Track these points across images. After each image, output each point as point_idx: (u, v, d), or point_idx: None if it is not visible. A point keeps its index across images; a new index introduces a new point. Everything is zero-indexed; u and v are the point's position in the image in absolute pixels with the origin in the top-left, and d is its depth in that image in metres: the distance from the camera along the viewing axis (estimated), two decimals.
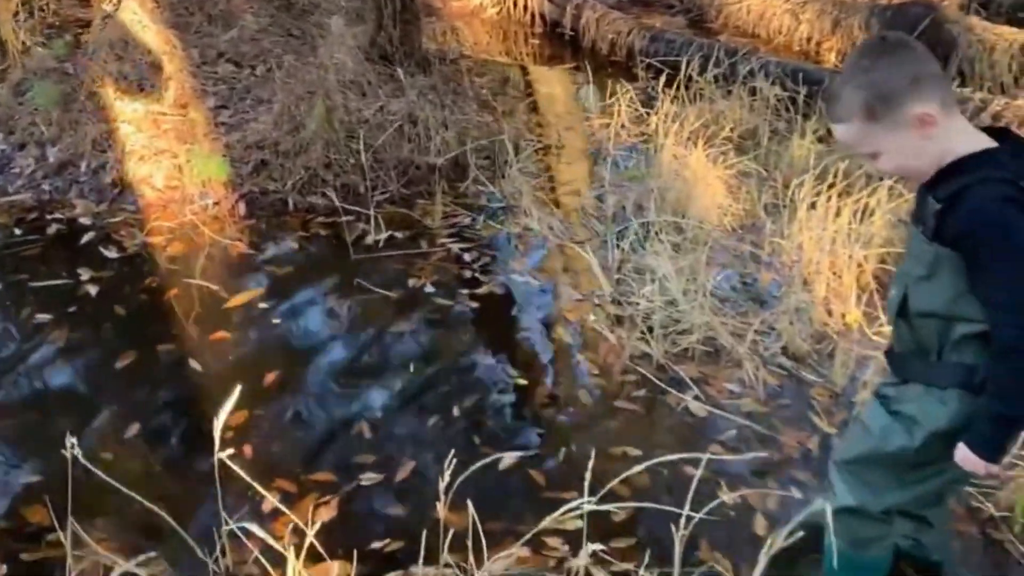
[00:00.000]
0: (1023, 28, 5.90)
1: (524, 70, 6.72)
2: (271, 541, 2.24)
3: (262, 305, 3.78)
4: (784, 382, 3.32)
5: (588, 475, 2.23)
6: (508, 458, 2.88)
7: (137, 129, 5.00)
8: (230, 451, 2.29)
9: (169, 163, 4.74)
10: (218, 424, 2.30)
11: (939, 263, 1.87)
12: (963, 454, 1.93)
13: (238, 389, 2.30)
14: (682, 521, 2.21)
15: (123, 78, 5.38)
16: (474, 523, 2.30)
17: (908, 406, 2.05)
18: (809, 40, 6.67)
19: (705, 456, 2.22)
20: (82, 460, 2.24)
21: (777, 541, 2.09)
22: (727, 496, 2.34)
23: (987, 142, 1.86)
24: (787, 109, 5.27)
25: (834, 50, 6.49)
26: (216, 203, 4.51)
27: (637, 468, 2.28)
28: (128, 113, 5.08)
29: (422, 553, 2.35)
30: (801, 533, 2.10)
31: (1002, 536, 2.65)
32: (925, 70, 1.86)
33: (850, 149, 2.17)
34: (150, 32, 5.63)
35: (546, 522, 2.31)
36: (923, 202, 1.92)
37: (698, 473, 2.23)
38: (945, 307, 1.90)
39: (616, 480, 2.33)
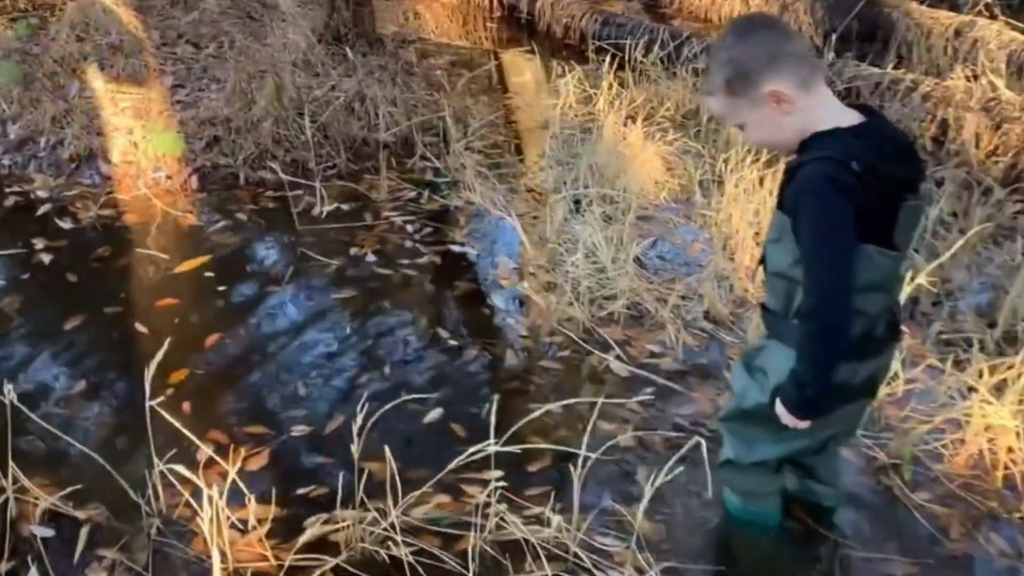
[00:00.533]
0: (960, 13, 6.08)
1: (480, 53, 6.87)
2: (197, 481, 2.41)
3: (208, 273, 3.92)
4: (704, 343, 3.49)
5: (492, 419, 2.42)
6: (432, 415, 3.05)
7: (96, 106, 5.13)
8: (160, 399, 2.46)
9: (125, 139, 4.88)
10: (148, 373, 2.46)
11: (783, 228, 2.02)
12: (777, 406, 2.12)
13: (168, 342, 2.46)
14: (579, 461, 2.41)
15: (83, 58, 5.51)
16: (394, 471, 2.46)
17: (762, 361, 2.23)
18: None
19: (600, 400, 2.39)
20: (17, 404, 2.39)
21: (659, 477, 2.29)
22: (621, 438, 2.50)
23: (844, 120, 1.98)
24: None
25: None
26: (169, 177, 4.65)
27: (538, 411, 2.46)
28: (87, 91, 5.21)
29: (339, 496, 2.53)
30: (680, 469, 2.30)
31: (891, 483, 2.81)
32: (783, 49, 1.98)
33: (721, 120, 2.35)
34: (113, 14, 5.74)
35: (453, 464, 2.50)
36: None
37: (594, 417, 2.42)
38: (788, 270, 2.05)
39: (521, 422, 2.51)
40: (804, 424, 2.12)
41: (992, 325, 3.43)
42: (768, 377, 2.18)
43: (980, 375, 2.90)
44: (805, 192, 1.95)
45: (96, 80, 5.30)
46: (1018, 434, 2.81)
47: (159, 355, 2.45)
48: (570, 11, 6.89)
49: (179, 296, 3.75)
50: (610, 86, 5.19)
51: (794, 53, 1.99)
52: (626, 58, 5.58)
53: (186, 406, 3.07)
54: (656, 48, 5.67)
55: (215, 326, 3.56)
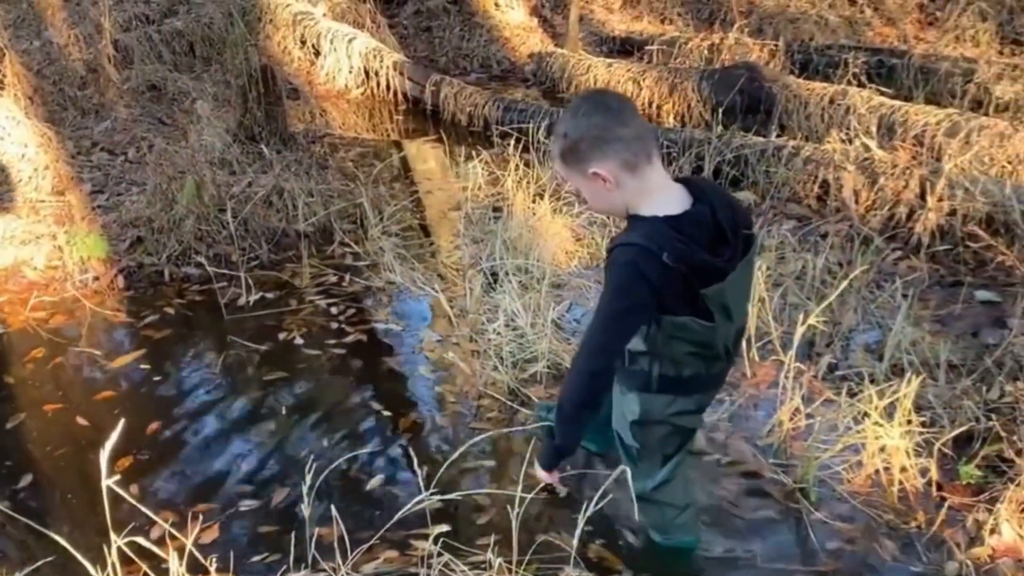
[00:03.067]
0: (832, 83, 6.60)
1: (388, 144, 7.16)
2: (157, 551, 2.53)
3: (143, 366, 4.05)
4: None
5: (421, 473, 2.63)
6: (374, 481, 3.23)
7: (16, 216, 5.25)
8: (116, 478, 2.58)
9: (49, 245, 5.00)
10: (104, 453, 2.58)
11: None
12: (536, 469, 2.53)
13: (121, 423, 2.59)
14: (516, 502, 2.61)
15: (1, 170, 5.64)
16: (343, 531, 2.64)
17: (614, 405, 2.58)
18: (650, 104, 7.28)
19: (525, 427, 2.61)
20: None
21: (590, 507, 2.50)
22: (556, 480, 2.71)
23: (667, 207, 2.16)
24: None
25: (672, 112, 7.10)
26: (96, 278, 4.77)
27: (460, 450, 2.70)
28: (6, 202, 5.34)
29: (291, 558, 2.68)
30: (610, 497, 2.55)
31: (799, 506, 3.07)
32: (613, 133, 2.11)
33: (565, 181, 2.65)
34: (24, 127, 5.88)
35: (397, 516, 2.69)
36: None
37: (526, 461, 2.63)
38: None
39: (445, 465, 2.75)
40: (547, 476, 2.52)
41: (880, 359, 3.75)
42: (623, 416, 2.53)
43: (871, 401, 3.18)
44: (615, 273, 2.17)
45: (15, 190, 5.43)
46: (908, 453, 3.09)
47: (114, 436, 2.56)
48: (473, 100, 7.23)
49: (116, 389, 3.87)
50: (516, 167, 5.49)
51: (622, 137, 2.11)
52: (530, 140, 5.91)
53: (134, 489, 3.18)
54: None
55: (154, 415, 3.68)
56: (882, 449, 3.13)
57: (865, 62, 6.90)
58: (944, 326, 4.05)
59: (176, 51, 8.56)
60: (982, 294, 4.26)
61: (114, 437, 2.55)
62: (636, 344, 2.34)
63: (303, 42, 8.76)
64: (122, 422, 2.58)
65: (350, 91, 8.38)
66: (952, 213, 4.71)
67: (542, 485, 2.72)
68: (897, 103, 5.84)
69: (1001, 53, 7.47)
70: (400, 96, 8.08)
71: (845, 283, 3.61)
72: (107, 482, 2.57)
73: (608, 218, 5.07)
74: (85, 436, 3.56)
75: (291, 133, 6.15)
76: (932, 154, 5.42)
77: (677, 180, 2.26)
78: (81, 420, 3.65)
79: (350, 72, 8.34)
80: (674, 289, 2.14)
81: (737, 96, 6.55)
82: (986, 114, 5.97)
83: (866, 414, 3.24)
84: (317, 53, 8.71)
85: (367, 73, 8.26)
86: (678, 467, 2.67)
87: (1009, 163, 5.12)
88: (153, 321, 4.44)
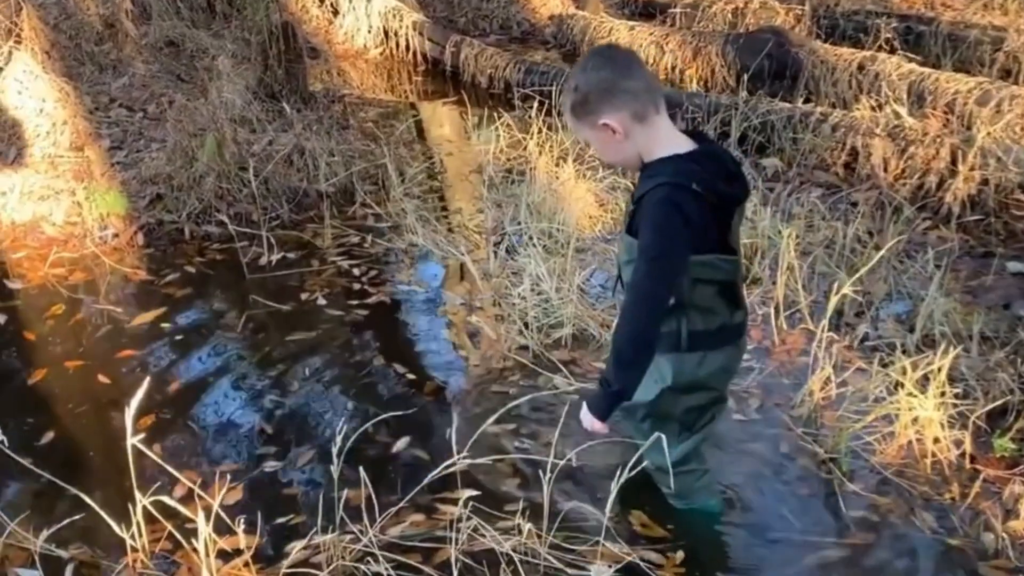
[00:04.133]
0: (861, 48, 6.48)
1: (409, 105, 7.08)
2: (183, 510, 2.51)
3: (164, 325, 4.01)
4: None
5: (448, 436, 2.58)
6: (400, 444, 3.19)
7: (35, 171, 5.20)
8: (140, 436, 2.54)
9: (68, 201, 4.96)
10: (129, 412, 2.54)
11: (632, 249, 2.27)
12: (583, 410, 2.39)
13: (146, 382, 2.56)
14: (548, 466, 2.57)
15: (17, 123, 5.57)
16: (371, 493, 2.61)
17: None
18: (673, 68, 7.18)
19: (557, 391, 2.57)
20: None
21: (623, 475, 2.47)
22: (586, 446, 2.67)
23: (679, 148, 2.23)
24: None
25: (695, 76, 7.01)
26: (115, 235, 4.73)
27: (495, 416, 2.65)
28: (25, 157, 5.28)
29: (319, 522, 2.64)
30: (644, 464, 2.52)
31: (831, 476, 3.03)
32: (621, 85, 2.18)
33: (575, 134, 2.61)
34: (42, 81, 5.81)
35: (426, 481, 2.65)
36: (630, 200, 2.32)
37: (560, 424, 2.59)
38: None
39: (477, 432, 2.70)
40: (599, 425, 2.38)
41: (911, 330, 3.69)
42: (653, 381, 2.43)
43: (904, 372, 3.13)
44: (651, 213, 2.18)
45: (34, 144, 5.38)
46: (942, 424, 3.04)
47: (139, 395, 2.52)
48: (493, 62, 7.15)
49: (137, 347, 3.83)
50: (539, 130, 5.42)
51: (630, 89, 2.18)
52: (552, 104, 5.82)
53: (157, 448, 3.14)
54: None
55: (175, 374, 3.65)
56: (915, 420, 3.08)
57: (893, 28, 6.77)
58: (975, 297, 3.98)
59: (194, 7, 8.49)
60: (1014, 265, 4.19)
61: (139, 396, 2.52)
62: None
63: (321, 1, 8.66)
64: (147, 381, 2.55)
65: (368, 51, 8.30)
66: (984, 182, 4.63)
67: (581, 447, 2.67)
68: (927, 71, 5.74)
69: None
70: (419, 57, 8.00)
71: (881, 253, 3.53)
72: (132, 440, 2.55)
73: (634, 183, 5.00)
74: (107, 394, 3.52)
75: (311, 92, 6.07)
76: (962, 123, 5.32)
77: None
78: (103, 377, 3.62)
79: (369, 32, 8.25)
80: (703, 221, 2.18)
81: (763, 61, 6.44)
82: (1016, 83, 5.87)
83: (899, 384, 3.20)
84: (335, 12, 8.62)
85: (386, 33, 8.18)
86: (702, 441, 2.65)
87: None
88: (174, 279, 4.41)
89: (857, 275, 3.51)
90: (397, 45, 8.06)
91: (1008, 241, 4.44)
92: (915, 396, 3.09)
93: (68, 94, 5.87)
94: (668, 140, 2.25)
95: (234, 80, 5.67)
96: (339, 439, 2.57)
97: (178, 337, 3.92)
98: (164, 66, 7.25)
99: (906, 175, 4.89)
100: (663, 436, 2.43)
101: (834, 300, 3.36)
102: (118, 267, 4.48)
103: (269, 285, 4.32)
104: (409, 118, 6.55)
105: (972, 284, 4.08)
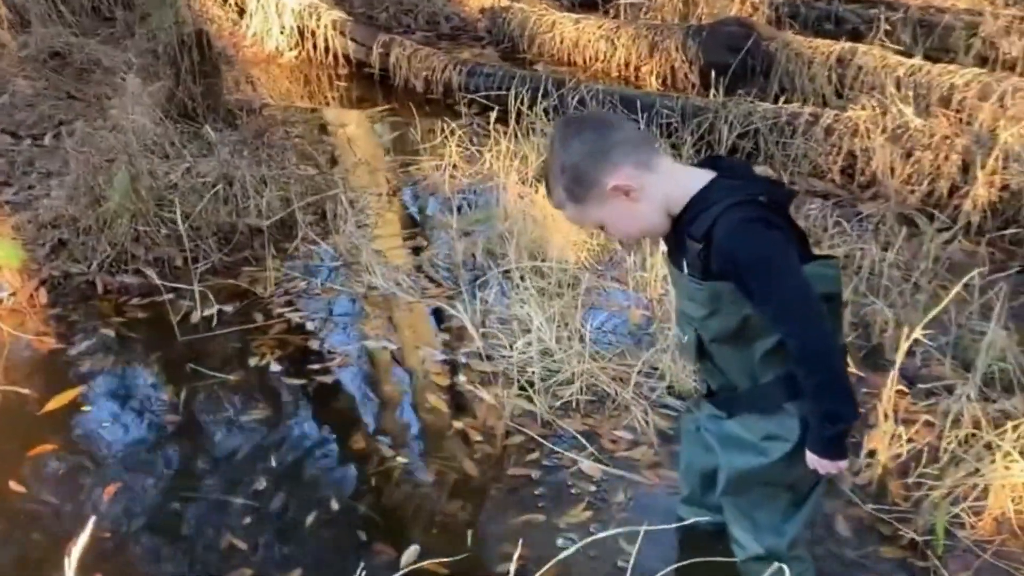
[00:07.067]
0: (835, 40, 6.01)
1: (337, 116, 6.37)
2: None
3: (84, 408, 3.29)
4: (676, 423, 3.13)
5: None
6: (407, 555, 2.56)
7: None
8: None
9: None
10: (70, 563, 1.87)
11: (718, 298, 1.90)
12: (811, 459, 1.96)
13: (91, 522, 1.88)
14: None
15: None
16: None
17: (739, 441, 2.10)
18: (627, 65, 6.63)
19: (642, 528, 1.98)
20: None
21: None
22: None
23: (705, 175, 1.92)
24: None
25: (653, 73, 6.46)
26: (12, 294, 3.94)
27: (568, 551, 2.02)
28: None
29: None
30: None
31: (927, 564, 2.54)
32: (611, 139, 1.91)
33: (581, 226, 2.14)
34: None
35: None
36: (682, 246, 1.94)
37: (634, 551, 1.99)
38: (738, 334, 1.94)
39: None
40: (843, 464, 1.99)
41: (966, 367, 3.22)
42: (776, 439, 2.04)
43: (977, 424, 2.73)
44: (738, 245, 1.84)
45: None
46: None
47: (83, 538, 1.84)
48: (429, 63, 6.47)
49: (56, 440, 3.10)
50: (496, 142, 4.82)
51: (623, 140, 1.92)
52: (507, 110, 5.20)
53: None
54: (540, 97, 5.31)
55: (109, 474, 2.95)
56: (1007, 486, 2.63)
57: (859, 15, 6.34)
58: (1021, 321, 3.53)
59: (76, 10, 7.61)
60: None
61: (83, 540, 1.84)
62: (768, 339, 1.94)
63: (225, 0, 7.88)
64: (91, 521, 1.86)
65: (282, 54, 7.56)
66: (1004, 188, 4.20)
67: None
68: (916, 62, 5.32)
69: (1008, 4, 6.92)
70: (341, 59, 7.29)
71: (955, 290, 2.96)
72: None
73: None
74: (24, 508, 2.79)
75: (229, 109, 5.33)
76: (962, 120, 4.90)
77: None
78: (15, 485, 2.88)
79: (282, 33, 7.53)
80: (786, 232, 1.90)
81: (730, 56, 5.92)
82: (993, 71, 5.49)
83: (988, 445, 2.72)
84: (241, 12, 7.85)
85: (301, 34, 7.47)
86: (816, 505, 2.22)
87: None
88: (89, 347, 3.66)
89: (930, 315, 2.94)
90: (315, 47, 7.32)
91: None
92: (1015, 460, 2.62)
93: None
94: (689, 174, 1.97)
95: (141, 99, 4.88)
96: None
97: (104, 423, 3.21)
98: (51, 82, 6.36)
99: (913, 181, 4.43)
100: (766, 512, 2.11)
101: (905, 346, 2.83)
102: (18, 334, 3.70)
103: (208, 348, 3.61)
104: (341, 131, 5.85)
105: (1014, 305, 3.62)
